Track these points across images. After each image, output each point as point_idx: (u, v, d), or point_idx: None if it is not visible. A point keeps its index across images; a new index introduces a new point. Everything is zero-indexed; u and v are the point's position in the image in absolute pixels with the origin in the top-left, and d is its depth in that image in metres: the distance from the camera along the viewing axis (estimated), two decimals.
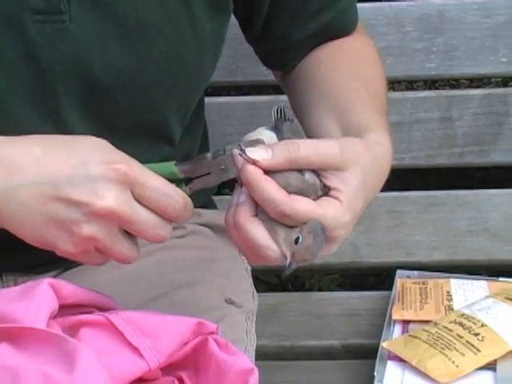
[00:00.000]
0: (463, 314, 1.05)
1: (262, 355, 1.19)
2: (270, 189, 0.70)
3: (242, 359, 0.71)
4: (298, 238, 0.71)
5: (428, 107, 1.24)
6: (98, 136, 0.74)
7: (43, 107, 0.78)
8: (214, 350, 0.72)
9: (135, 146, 0.80)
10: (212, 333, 0.73)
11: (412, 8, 1.23)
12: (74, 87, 0.78)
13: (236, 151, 0.71)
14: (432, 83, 1.84)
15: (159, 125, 0.86)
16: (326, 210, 0.71)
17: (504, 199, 1.26)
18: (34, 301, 0.69)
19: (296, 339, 1.24)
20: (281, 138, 0.74)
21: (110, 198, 0.69)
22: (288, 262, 0.72)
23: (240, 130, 1.26)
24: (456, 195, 1.26)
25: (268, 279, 1.59)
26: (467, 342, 1.00)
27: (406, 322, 1.11)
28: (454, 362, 0.98)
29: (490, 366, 1.00)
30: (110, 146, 0.72)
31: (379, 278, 1.68)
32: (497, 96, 1.24)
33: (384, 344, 1.05)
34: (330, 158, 0.72)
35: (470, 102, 1.23)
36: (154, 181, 0.71)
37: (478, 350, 0.99)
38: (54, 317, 0.71)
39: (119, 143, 0.74)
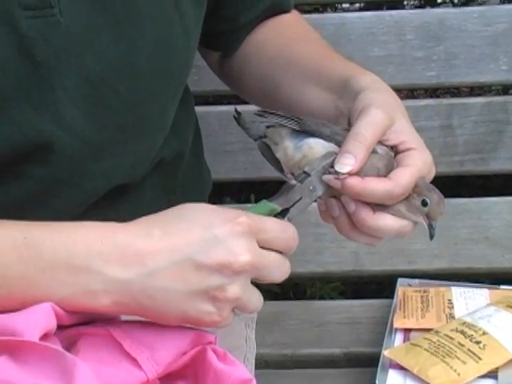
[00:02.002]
0: (464, 322, 1.04)
1: (262, 363, 1.18)
2: (377, 186, 0.74)
3: (241, 369, 0.71)
4: (423, 201, 0.76)
5: (428, 115, 1.23)
6: (101, 132, 0.73)
7: (41, 103, 0.76)
8: (213, 360, 0.71)
9: (137, 140, 0.80)
10: (210, 343, 0.72)
11: (412, 16, 1.22)
12: (70, 81, 0.77)
13: (329, 177, 0.75)
14: (433, 91, 1.84)
15: (159, 114, 0.86)
16: (416, 164, 0.76)
17: (505, 207, 1.25)
18: (33, 314, 0.68)
19: (297, 347, 1.23)
20: (328, 138, 0.78)
21: (247, 252, 0.70)
22: (428, 224, 0.77)
23: (241, 139, 1.25)
24: (457, 203, 1.25)
25: (269, 287, 1.58)
26: (469, 350, 0.99)
27: (407, 330, 1.10)
28: (455, 370, 0.97)
29: (492, 374, 0.99)
30: (212, 206, 0.73)
31: (381, 286, 1.67)
32: (497, 104, 1.23)
33: (385, 352, 1.04)
34: (382, 124, 0.77)
35: (471, 110, 1.23)
36: (269, 222, 0.73)
37: (480, 358, 0.98)
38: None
39: (121, 137, 0.74)
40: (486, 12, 1.21)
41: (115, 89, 0.79)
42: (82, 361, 0.66)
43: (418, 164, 0.77)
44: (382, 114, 0.77)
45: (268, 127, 0.83)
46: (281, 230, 0.73)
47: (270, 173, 1.26)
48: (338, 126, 0.81)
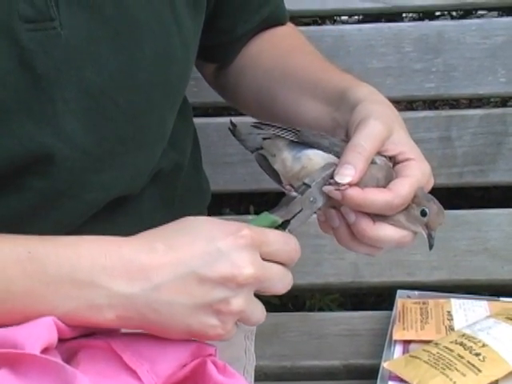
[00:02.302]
0: (464, 334, 1.04)
1: (262, 375, 1.18)
2: (377, 197, 0.75)
3: (241, 382, 0.71)
4: (422, 211, 0.76)
5: (427, 127, 1.24)
6: (101, 144, 0.74)
7: (41, 115, 0.76)
8: (213, 372, 0.71)
9: (136, 152, 0.80)
10: (210, 355, 0.72)
11: (411, 29, 1.23)
12: (70, 93, 0.77)
13: (329, 188, 0.75)
14: (431, 103, 1.84)
15: (159, 126, 0.86)
16: (415, 175, 0.77)
17: (504, 219, 1.25)
18: (35, 328, 0.68)
19: (297, 359, 1.23)
20: (327, 149, 0.78)
21: (250, 265, 0.70)
22: (427, 234, 0.78)
23: (240, 150, 1.24)
24: (456, 215, 1.25)
25: (268, 299, 1.57)
26: (468, 362, 0.99)
27: (406, 342, 1.10)
28: (455, 383, 0.97)
29: None
30: (215, 219, 0.73)
31: (380, 298, 1.67)
32: (496, 116, 1.24)
33: (385, 364, 1.04)
34: (380, 135, 0.77)
35: (470, 121, 1.23)
36: (271, 234, 0.73)
37: (479, 371, 0.98)
38: None
39: (121, 149, 0.73)
40: (485, 25, 1.22)
41: (115, 101, 0.79)
42: (82, 373, 0.66)
43: (417, 174, 0.77)
44: (380, 126, 0.77)
45: (264, 139, 0.83)
46: (283, 242, 0.73)
47: (269, 184, 1.26)
48: (336, 137, 0.81)
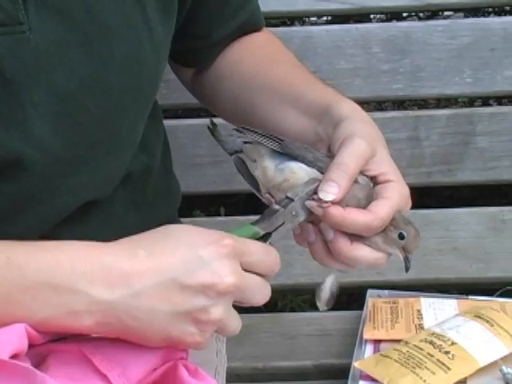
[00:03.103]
0: (434, 333, 1.05)
1: (234, 377, 1.18)
2: (358, 217, 0.75)
3: None
4: (400, 234, 0.77)
5: (396, 127, 1.25)
6: (71, 149, 0.73)
7: (10, 120, 0.76)
8: (184, 375, 0.71)
9: (107, 157, 0.80)
10: (181, 358, 0.73)
11: (378, 30, 1.24)
12: (40, 97, 0.76)
13: (312, 203, 0.76)
14: (401, 103, 1.86)
15: (130, 130, 0.86)
16: (394, 197, 0.77)
17: (472, 218, 1.27)
18: (5, 334, 0.68)
19: (268, 360, 1.23)
20: (311, 163, 0.78)
21: (231, 274, 0.70)
22: (404, 257, 0.78)
23: (210, 152, 1.26)
24: (425, 214, 1.26)
25: None
26: (438, 360, 1.00)
27: (377, 342, 1.11)
28: (425, 381, 0.98)
29: None
30: (197, 227, 0.73)
31: (351, 298, 1.68)
32: (463, 116, 1.25)
33: (355, 364, 1.04)
34: (365, 154, 0.78)
35: (437, 121, 1.24)
36: (253, 245, 0.74)
37: (449, 369, 0.99)
38: None
39: (91, 154, 0.73)
40: (451, 25, 1.23)
41: (85, 105, 0.79)
42: (51, 378, 0.65)
43: (396, 197, 0.78)
44: (365, 145, 0.78)
45: (246, 142, 0.84)
46: (264, 253, 0.74)
47: (239, 186, 1.27)
48: (319, 151, 0.81)
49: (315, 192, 0.76)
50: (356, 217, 0.75)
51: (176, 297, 0.69)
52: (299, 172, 0.78)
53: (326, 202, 0.75)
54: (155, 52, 0.84)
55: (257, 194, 0.83)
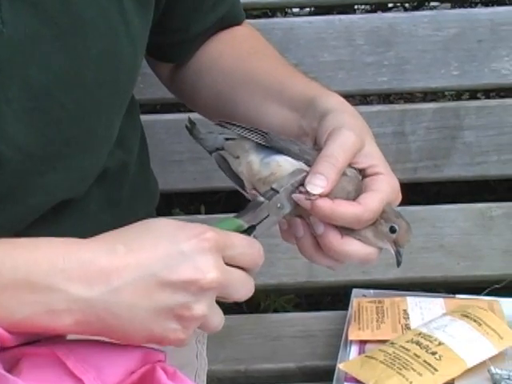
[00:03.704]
0: (420, 333, 1.05)
1: (215, 380, 1.18)
2: (347, 210, 0.75)
3: None
4: (391, 227, 0.77)
5: (381, 122, 1.25)
6: (46, 146, 0.73)
7: None
8: (162, 378, 0.71)
9: (82, 154, 0.80)
10: (160, 361, 0.72)
11: (362, 21, 1.24)
12: (13, 93, 0.76)
13: (300, 196, 0.76)
14: (386, 97, 1.86)
15: (106, 127, 0.86)
16: (384, 190, 0.77)
17: (459, 214, 1.27)
18: None
19: (251, 363, 1.23)
20: (297, 156, 0.78)
21: (214, 269, 0.70)
22: (395, 251, 0.78)
23: (189, 148, 1.26)
24: (411, 211, 1.26)
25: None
26: (424, 361, 1.00)
27: (362, 343, 1.11)
28: (411, 383, 0.98)
29: None
30: (178, 221, 0.73)
31: (337, 298, 1.68)
32: (450, 110, 1.26)
33: (340, 365, 1.04)
34: (354, 147, 0.78)
35: (423, 116, 1.25)
36: (236, 238, 0.73)
37: (436, 370, 0.99)
38: None
39: (67, 152, 0.73)
40: (437, 16, 1.24)
41: (60, 101, 0.79)
42: (24, 382, 0.65)
43: (387, 189, 0.78)
44: (354, 137, 0.78)
45: (227, 139, 0.83)
46: (248, 246, 0.74)
47: (220, 183, 1.27)
48: (305, 143, 0.81)
49: (302, 184, 0.76)
50: (345, 209, 0.76)
51: (157, 293, 0.69)
52: (285, 165, 0.78)
53: (314, 195, 0.75)
54: (132, 45, 0.84)
55: (241, 191, 0.83)
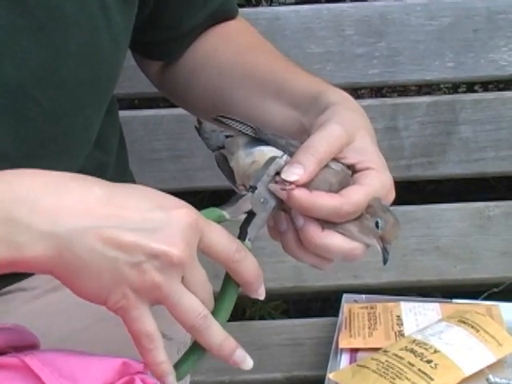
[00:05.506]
0: (415, 340, 1.06)
1: None
2: (325, 201, 0.76)
3: None
4: (377, 222, 0.77)
5: (372, 116, 1.24)
6: (20, 147, 0.73)
7: None
8: None
9: (59, 156, 0.79)
10: (139, 372, 0.73)
11: (352, 10, 1.25)
12: None
13: (275, 186, 0.77)
14: (378, 90, 1.87)
15: (84, 128, 0.86)
16: (372, 184, 0.78)
17: (455, 214, 1.28)
18: None
19: (235, 373, 1.24)
20: (283, 148, 0.79)
21: (184, 246, 0.70)
22: (381, 248, 0.78)
23: (169, 146, 1.26)
24: (405, 211, 1.27)
25: None
26: (419, 370, 1.01)
27: (353, 351, 1.12)
28: None
29: None
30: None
31: (326, 304, 1.69)
32: (445, 103, 1.26)
33: (330, 375, 1.05)
34: (339, 140, 0.79)
35: (416, 110, 1.25)
36: (216, 227, 0.73)
37: (431, 379, 1.00)
38: None
39: (42, 153, 0.72)
40: (431, 5, 1.24)
41: (36, 99, 0.79)
42: None
43: (375, 184, 0.78)
44: (339, 130, 0.79)
45: (227, 137, 0.85)
46: (227, 240, 0.74)
47: (202, 182, 1.28)
48: (297, 140, 0.82)
49: (278, 173, 0.77)
50: (323, 200, 0.76)
51: (124, 245, 0.69)
52: (269, 154, 0.79)
53: (290, 183, 0.76)
54: (113, 41, 0.84)
55: (235, 190, 0.83)
